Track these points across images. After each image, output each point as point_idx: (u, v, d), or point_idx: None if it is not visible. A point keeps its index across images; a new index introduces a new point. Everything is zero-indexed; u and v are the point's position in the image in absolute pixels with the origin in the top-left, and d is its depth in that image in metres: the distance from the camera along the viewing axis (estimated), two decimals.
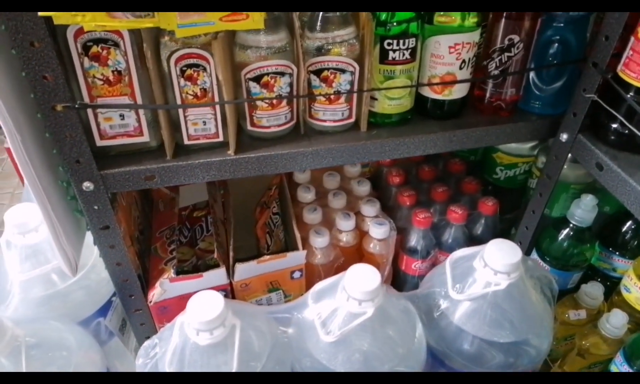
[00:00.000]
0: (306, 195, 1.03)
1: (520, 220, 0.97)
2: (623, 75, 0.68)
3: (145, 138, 0.70)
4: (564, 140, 0.78)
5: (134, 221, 0.92)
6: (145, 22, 0.49)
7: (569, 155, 0.79)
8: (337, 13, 0.68)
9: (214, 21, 0.51)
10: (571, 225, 0.87)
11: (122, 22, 0.48)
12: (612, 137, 0.72)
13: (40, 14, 0.47)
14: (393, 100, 0.76)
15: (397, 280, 1.05)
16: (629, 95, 0.67)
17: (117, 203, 0.77)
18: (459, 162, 1.12)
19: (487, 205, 0.99)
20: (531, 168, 1.09)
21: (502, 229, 1.07)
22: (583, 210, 0.85)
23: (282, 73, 0.69)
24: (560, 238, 0.89)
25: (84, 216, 0.71)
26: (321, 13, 0.68)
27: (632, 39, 0.66)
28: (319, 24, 0.69)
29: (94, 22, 0.48)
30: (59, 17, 0.46)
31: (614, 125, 0.71)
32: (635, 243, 0.91)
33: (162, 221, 0.97)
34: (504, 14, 0.72)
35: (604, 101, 0.71)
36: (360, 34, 0.71)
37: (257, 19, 0.53)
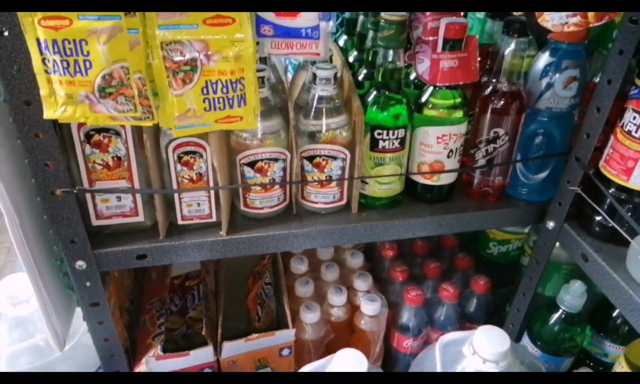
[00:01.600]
0: (299, 267, 1.03)
1: (514, 298, 0.97)
2: (604, 171, 0.70)
3: (140, 218, 0.71)
4: (550, 228, 0.80)
5: (125, 291, 0.93)
6: (146, 122, 0.52)
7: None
8: (330, 103, 0.72)
9: (209, 123, 0.54)
10: (561, 310, 0.87)
11: (124, 121, 0.51)
12: (597, 229, 0.73)
13: (45, 116, 0.50)
14: (383, 185, 0.79)
15: (389, 358, 1.04)
16: (610, 191, 0.69)
17: (109, 275, 0.78)
18: (452, 236, 1.13)
19: (480, 283, 0.99)
20: (523, 245, 1.10)
21: (496, 304, 1.06)
22: (572, 296, 0.85)
23: (276, 159, 0.72)
24: (551, 322, 0.89)
25: (75, 293, 0.72)
26: (315, 101, 0.72)
27: (612, 138, 0.69)
28: (312, 111, 0.72)
29: (97, 123, 0.50)
30: (67, 117, 0.49)
31: (598, 218, 0.72)
32: (627, 329, 0.90)
33: (153, 291, 0.97)
34: (489, 108, 0.76)
35: (588, 193, 0.73)
36: (352, 122, 0.74)
37: (250, 120, 0.56)
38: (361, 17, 0.85)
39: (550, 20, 0.47)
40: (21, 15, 0.45)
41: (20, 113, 0.56)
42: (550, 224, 0.80)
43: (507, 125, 0.76)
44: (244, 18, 0.48)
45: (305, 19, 0.52)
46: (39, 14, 0.44)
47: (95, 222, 0.70)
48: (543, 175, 0.81)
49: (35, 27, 0.45)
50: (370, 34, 0.81)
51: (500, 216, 0.82)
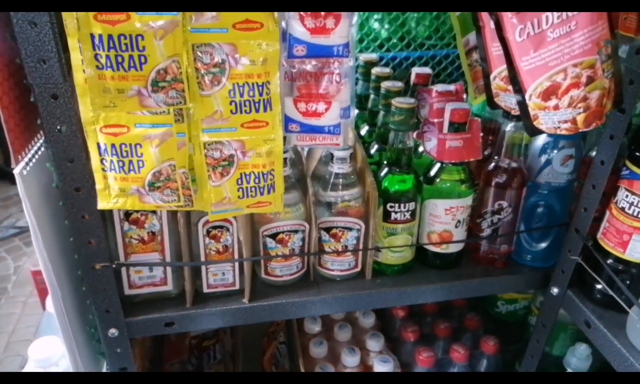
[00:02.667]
0: (313, 327, 1.07)
1: (523, 356, 1.00)
2: (602, 243, 0.75)
3: (169, 287, 0.76)
4: (554, 294, 0.84)
5: (146, 352, 0.96)
6: (186, 208, 0.58)
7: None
8: (346, 178, 0.78)
9: (242, 208, 0.60)
10: (568, 372, 0.90)
11: (168, 208, 0.57)
12: (598, 296, 0.78)
13: (99, 207, 0.56)
14: (396, 253, 0.84)
15: None
16: (608, 261, 0.74)
17: (135, 339, 0.82)
18: None
19: (489, 345, 1.02)
20: (530, 305, 1.14)
21: (505, 361, 1.09)
22: (578, 359, 0.88)
23: (296, 231, 0.78)
24: None
25: (104, 358, 0.76)
26: (332, 177, 0.78)
27: (608, 212, 0.75)
28: (330, 185, 0.79)
29: (132, 207, 0.56)
30: (118, 207, 0.55)
31: (598, 286, 0.77)
32: None
33: (172, 352, 1.01)
34: (493, 183, 0.82)
35: (589, 262, 0.78)
36: (366, 194, 0.80)
37: (278, 204, 0.62)
38: (372, 96, 0.93)
39: (544, 123, 0.54)
40: (85, 122, 0.52)
41: (70, 198, 0.62)
42: (554, 290, 0.84)
43: (509, 198, 0.82)
44: (276, 121, 0.55)
45: (328, 118, 0.58)
46: (101, 122, 0.51)
47: (127, 291, 0.75)
48: (546, 243, 0.86)
49: (97, 133, 0.51)
50: (381, 113, 0.88)
51: (506, 282, 0.87)
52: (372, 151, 0.92)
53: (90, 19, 0.44)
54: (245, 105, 0.54)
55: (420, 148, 0.90)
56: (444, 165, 0.81)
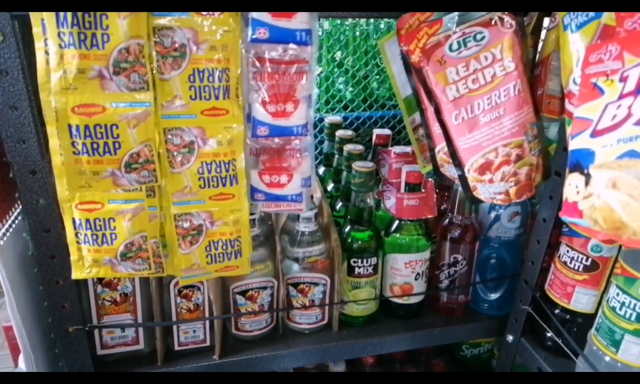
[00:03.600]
0: None
1: None
2: (549, 294, 0.81)
3: (141, 346, 0.79)
4: (510, 341, 0.89)
5: None
6: (158, 274, 0.62)
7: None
8: (312, 235, 0.83)
9: (210, 272, 0.64)
10: None
11: (131, 274, 0.61)
12: (549, 343, 0.83)
13: (73, 277, 0.59)
14: (361, 305, 0.88)
15: None
16: (555, 312, 0.80)
17: None
18: None
19: None
20: (493, 348, 1.18)
21: None
22: None
23: (265, 287, 0.81)
24: None
25: None
26: (299, 235, 0.83)
27: (553, 265, 0.81)
28: (296, 242, 0.83)
29: (105, 276, 0.60)
30: (91, 276, 0.59)
31: (549, 335, 0.82)
32: None
33: None
34: (448, 238, 0.88)
35: (539, 312, 0.84)
36: (331, 250, 0.85)
37: (245, 267, 0.66)
38: (336, 155, 1.00)
39: (482, 194, 0.60)
40: (61, 200, 0.55)
41: (45, 265, 0.65)
42: (509, 338, 0.89)
43: (464, 252, 0.88)
44: (242, 193, 0.60)
45: (291, 188, 0.64)
46: (77, 199, 0.55)
47: (100, 352, 0.76)
48: (500, 293, 0.92)
49: (72, 209, 0.55)
50: (344, 174, 0.94)
51: (465, 330, 0.92)
52: (338, 206, 0.97)
53: (68, 111, 0.49)
54: (213, 181, 0.58)
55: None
56: (402, 221, 0.87)
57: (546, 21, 0.61)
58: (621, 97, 0.38)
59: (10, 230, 0.66)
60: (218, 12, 0.51)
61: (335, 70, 1.12)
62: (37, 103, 0.56)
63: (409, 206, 0.85)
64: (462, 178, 0.60)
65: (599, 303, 0.77)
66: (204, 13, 0.51)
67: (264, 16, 0.53)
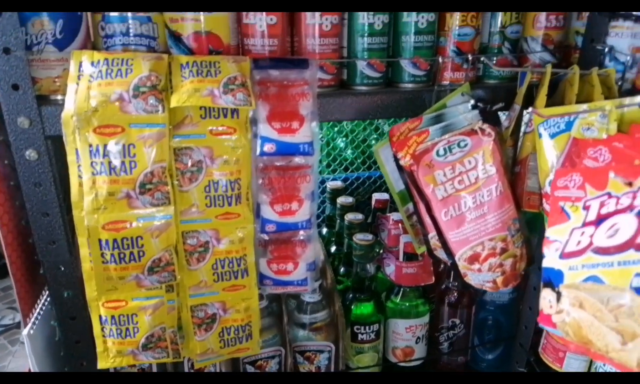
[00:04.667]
0: None
1: None
2: (543, 357, 0.86)
3: None
4: None
5: None
6: (175, 360, 0.67)
7: None
8: (316, 304, 0.88)
9: (224, 355, 0.69)
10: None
11: (151, 362, 0.66)
12: None
13: (99, 367, 0.65)
14: (364, 368, 0.93)
15: None
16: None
17: None
18: None
19: None
20: None
21: None
22: None
23: (273, 357, 0.86)
24: None
25: None
26: (304, 305, 0.88)
27: (544, 331, 0.86)
28: (302, 310, 0.88)
29: (127, 364, 0.65)
30: (115, 365, 0.64)
31: None
32: None
33: None
34: (446, 302, 0.93)
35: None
36: (335, 316, 0.90)
37: (254, 349, 0.71)
38: (338, 220, 1.06)
39: (472, 280, 0.66)
40: (89, 299, 0.61)
41: (71, 349, 0.70)
42: None
43: (462, 315, 0.93)
44: (252, 284, 0.66)
45: (296, 275, 0.69)
46: (103, 299, 0.61)
47: None
48: (497, 353, 0.96)
49: (99, 307, 0.61)
50: (346, 240, 1.00)
51: None
52: (341, 270, 1.03)
53: (99, 228, 0.55)
54: (226, 275, 0.65)
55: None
56: (402, 288, 0.92)
57: (525, 123, 0.68)
58: (584, 224, 0.44)
59: (39, 317, 0.71)
60: (231, 134, 0.58)
61: (336, 135, 1.19)
62: (67, 204, 0.63)
63: (408, 274, 0.90)
64: (454, 265, 0.66)
65: (589, 367, 0.82)
66: (220, 135, 0.57)
67: (271, 133, 0.60)
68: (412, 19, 0.68)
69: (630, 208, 0.44)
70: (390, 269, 0.95)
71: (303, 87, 0.61)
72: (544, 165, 0.59)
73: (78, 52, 0.56)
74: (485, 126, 0.60)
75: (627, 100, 0.54)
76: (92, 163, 0.54)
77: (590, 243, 0.43)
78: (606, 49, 0.66)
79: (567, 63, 0.79)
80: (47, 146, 0.61)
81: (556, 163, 0.57)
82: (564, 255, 0.45)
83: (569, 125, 0.57)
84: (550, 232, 0.48)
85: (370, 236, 0.88)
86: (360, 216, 0.97)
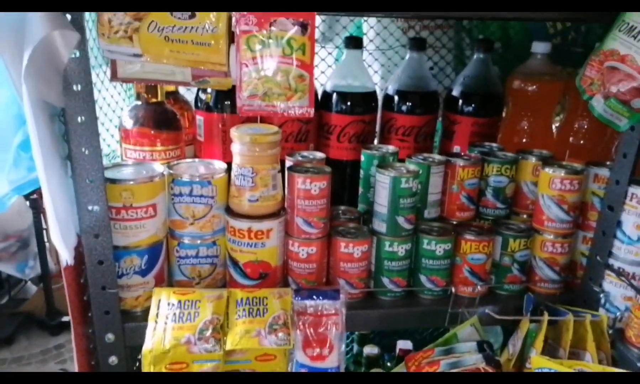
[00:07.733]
0: None
1: None
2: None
3: None
4: None
5: None
6: None
7: None
8: None
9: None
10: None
11: None
12: None
13: None
14: None
15: None
16: None
17: None
18: None
19: None
20: None
21: None
22: None
23: None
24: None
25: None
26: None
27: None
28: None
29: None
30: None
31: None
32: None
33: None
34: None
35: None
36: None
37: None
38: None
39: None
40: None
41: None
42: None
43: None
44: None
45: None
46: None
47: None
48: None
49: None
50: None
51: None
52: None
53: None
54: None
55: None
56: None
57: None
58: None
59: None
60: (271, 360, 0.71)
61: None
62: None
63: None
64: None
65: None
66: (263, 361, 0.71)
67: (305, 359, 0.73)
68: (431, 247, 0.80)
69: None
70: None
71: (334, 317, 0.73)
72: None
73: (158, 290, 0.72)
74: (489, 367, 0.70)
75: None
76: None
77: None
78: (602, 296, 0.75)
79: (574, 276, 0.88)
80: (126, 354, 0.76)
81: None
82: None
83: None
84: None
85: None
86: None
